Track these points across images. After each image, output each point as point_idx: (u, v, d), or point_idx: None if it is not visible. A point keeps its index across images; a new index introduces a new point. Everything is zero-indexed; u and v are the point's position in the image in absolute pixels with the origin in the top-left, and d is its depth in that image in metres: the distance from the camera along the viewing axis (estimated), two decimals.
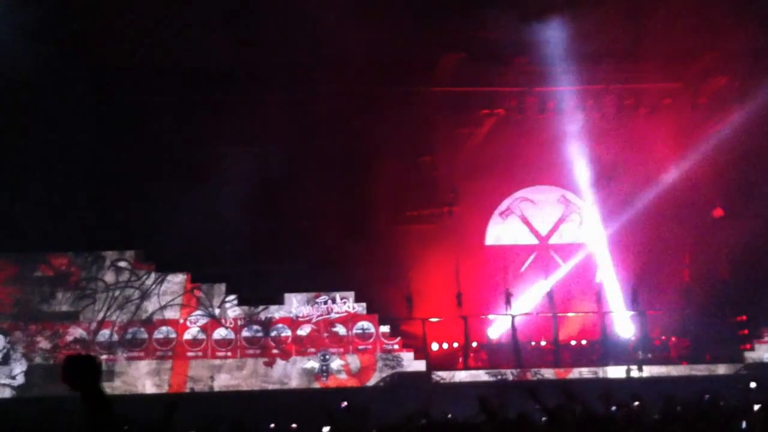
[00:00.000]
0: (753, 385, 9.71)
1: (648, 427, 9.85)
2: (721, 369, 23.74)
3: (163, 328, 23.53)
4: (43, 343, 23.27)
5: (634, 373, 23.40)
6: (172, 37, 20.64)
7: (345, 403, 10.20)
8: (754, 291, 24.97)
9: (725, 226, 26.02)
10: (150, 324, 23.54)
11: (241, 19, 20.50)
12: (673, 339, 25.64)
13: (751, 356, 24.27)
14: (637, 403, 12.00)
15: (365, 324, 24.05)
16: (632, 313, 25.61)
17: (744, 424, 9.16)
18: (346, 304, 24.11)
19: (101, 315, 23.51)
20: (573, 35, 21.25)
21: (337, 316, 24.05)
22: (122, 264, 23.97)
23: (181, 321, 23.62)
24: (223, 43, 21.20)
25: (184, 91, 22.73)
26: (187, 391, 22.99)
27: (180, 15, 20.21)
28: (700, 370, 23.58)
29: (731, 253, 25.46)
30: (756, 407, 10.38)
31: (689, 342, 25.03)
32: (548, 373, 23.54)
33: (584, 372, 23.53)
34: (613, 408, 10.61)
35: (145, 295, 23.70)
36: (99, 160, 23.03)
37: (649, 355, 24.75)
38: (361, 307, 24.13)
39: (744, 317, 25.62)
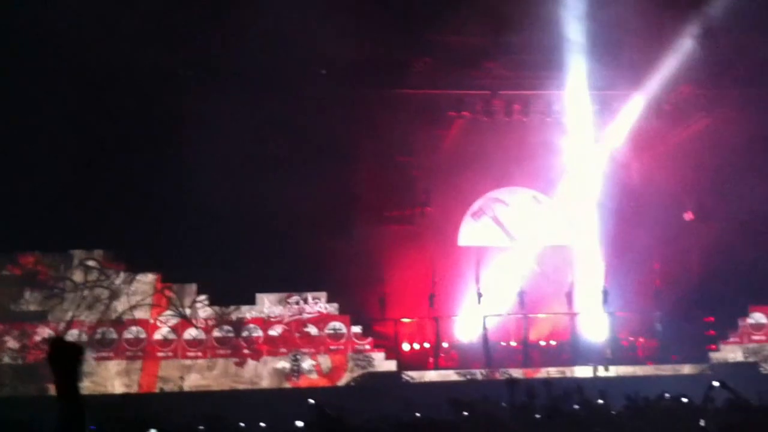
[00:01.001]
0: (716, 384, 9.99)
1: (611, 423, 10.14)
2: (686, 369, 24.13)
3: (133, 328, 23.49)
4: (11, 343, 23.12)
5: (601, 372, 23.83)
6: (143, 36, 20.64)
7: (311, 401, 10.39)
8: (722, 293, 25.41)
9: (695, 228, 26.47)
10: (120, 324, 23.45)
11: (216, 19, 20.57)
12: (641, 340, 26.04)
13: (716, 356, 24.73)
14: (601, 401, 12.35)
15: (337, 324, 24.20)
16: (602, 314, 26.02)
17: (703, 423, 9.43)
18: (318, 304, 24.24)
19: (70, 315, 23.41)
20: (539, 41, 21.52)
21: (309, 316, 24.17)
22: (91, 263, 23.93)
23: (152, 321, 23.58)
24: (194, 44, 21.28)
25: (156, 89, 22.77)
26: (157, 391, 23.12)
27: (151, 14, 20.22)
28: (665, 370, 23.92)
29: (700, 256, 25.91)
30: (717, 406, 10.66)
31: (657, 343, 25.49)
32: (517, 373, 23.81)
33: (552, 372, 23.89)
34: (576, 406, 10.91)
35: (114, 295, 23.63)
36: (68, 158, 22.97)
37: (613, 354, 25.12)
38: (333, 308, 24.24)
39: (712, 319, 26.08)
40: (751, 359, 24.78)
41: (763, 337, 25.11)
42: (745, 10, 22.35)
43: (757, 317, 25.25)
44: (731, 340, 25.06)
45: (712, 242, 25.80)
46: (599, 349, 25.66)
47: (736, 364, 24.40)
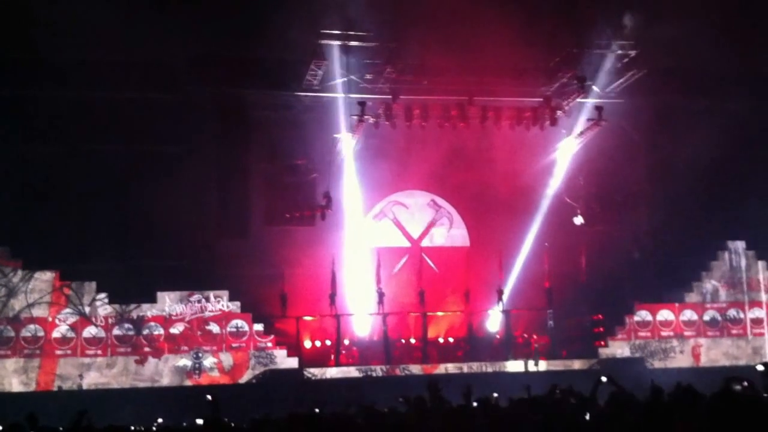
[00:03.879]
0: (604, 379, 10.16)
1: (503, 418, 10.21)
2: (576, 364, 24.55)
3: (31, 326, 22.67)
4: None
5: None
6: None
7: (209, 397, 10.17)
8: (610, 292, 26.06)
9: (583, 231, 27.03)
10: (17, 322, 22.59)
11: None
12: (535, 336, 26.54)
13: (604, 352, 25.27)
14: (495, 395, 12.45)
15: (239, 322, 23.87)
16: (497, 312, 26.38)
17: (588, 417, 9.50)
18: (220, 302, 23.91)
19: None
20: (437, 49, 21.65)
21: (211, 314, 23.81)
22: None
23: (50, 319, 22.83)
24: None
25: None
26: (55, 389, 22.46)
27: None
28: (556, 365, 24.35)
29: (589, 257, 26.46)
30: (604, 400, 10.81)
31: (549, 339, 25.97)
32: (416, 369, 24.02)
33: (450, 368, 24.12)
34: (475, 403, 10.95)
35: (11, 293, 22.80)
36: None
37: (508, 349, 25.50)
38: (235, 306, 23.92)
39: (600, 316, 26.73)
40: (637, 354, 25.41)
41: (648, 334, 25.78)
42: (634, 24, 23.05)
43: (642, 314, 25.88)
44: (619, 336, 25.63)
45: (600, 244, 26.43)
46: (494, 345, 26.07)
47: (624, 360, 24.99)
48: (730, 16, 21.59)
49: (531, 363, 24.08)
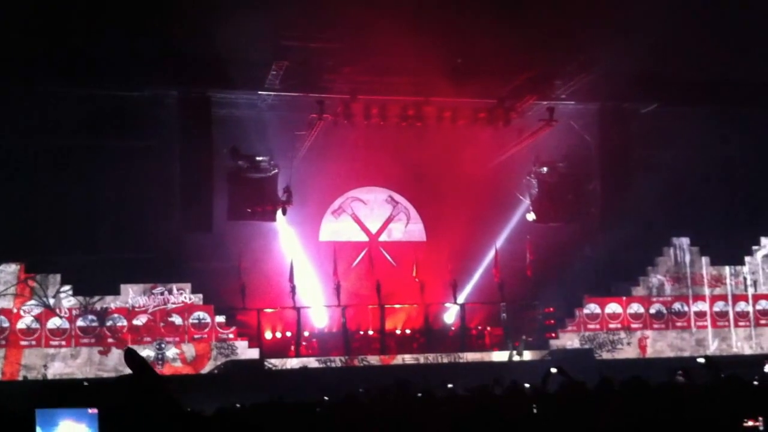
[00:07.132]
0: (554, 370, 10.29)
1: (459, 407, 10.35)
2: (529, 355, 25.00)
3: None
4: None
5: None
6: None
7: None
8: (561, 285, 26.35)
9: (536, 228, 27.28)
10: None
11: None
12: (489, 329, 26.79)
13: (555, 344, 25.64)
14: (450, 385, 12.65)
15: (201, 314, 23.81)
16: (453, 304, 26.56)
17: (534, 409, 9.60)
18: (182, 294, 23.83)
19: None
20: (394, 50, 21.68)
21: (174, 306, 23.73)
22: None
23: (15, 310, 22.65)
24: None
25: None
26: (20, 379, 22.25)
27: None
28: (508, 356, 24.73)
29: (542, 252, 26.70)
30: (553, 389, 10.95)
31: (502, 331, 26.22)
32: (374, 360, 24.15)
33: (407, 358, 24.29)
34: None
35: None
36: None
37: (462, 341, 25.68)
38: (197, 298, 23.87)
39: (552, 309, 27.06)
40: (587, 346, 25.78)
41: (597, 326, 26.17)
42: (585, 28, 23.25)
43: (591, 307, 26.27)
44: (569, 328, 25.99)
45: (551, 240, 26.71)
46: (450, 337, 26.26)
47: (574, 351, 25.29)
48: (681, 23, 21.87)
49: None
